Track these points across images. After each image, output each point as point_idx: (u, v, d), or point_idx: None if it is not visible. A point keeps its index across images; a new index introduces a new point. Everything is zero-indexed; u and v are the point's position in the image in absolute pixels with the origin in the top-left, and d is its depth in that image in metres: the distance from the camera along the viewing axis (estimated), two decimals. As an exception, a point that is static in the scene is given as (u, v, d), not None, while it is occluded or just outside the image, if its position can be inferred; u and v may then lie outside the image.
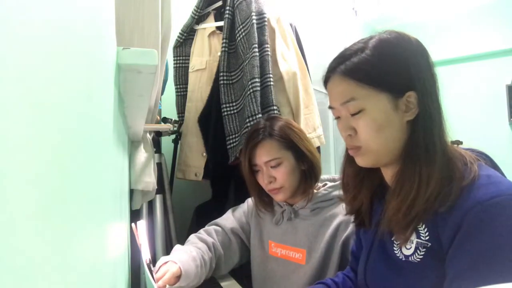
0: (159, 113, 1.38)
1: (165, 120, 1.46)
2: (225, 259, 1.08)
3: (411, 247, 0.61)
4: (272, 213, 1.08)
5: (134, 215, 1.16)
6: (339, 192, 0.99)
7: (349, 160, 0.72)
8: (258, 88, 1.25)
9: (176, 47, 1.54)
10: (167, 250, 1.23)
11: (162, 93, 1.32)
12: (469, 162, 0.58)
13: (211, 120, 1.41)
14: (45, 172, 0.22)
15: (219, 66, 1.38)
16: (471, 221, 0.52)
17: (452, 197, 0.54)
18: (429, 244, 0.58)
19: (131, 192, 1.11)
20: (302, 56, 1.48)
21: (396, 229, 0.62)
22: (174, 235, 1.35)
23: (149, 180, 1.09)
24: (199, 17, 1.50)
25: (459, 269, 0.52)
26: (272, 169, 0.98)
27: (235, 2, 1.36)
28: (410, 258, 0.61)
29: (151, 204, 1.29)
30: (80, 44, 0.33)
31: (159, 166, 1.31)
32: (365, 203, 0.73)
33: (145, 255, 0.74)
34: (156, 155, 1.29)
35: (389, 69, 0.60)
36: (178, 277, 0.88)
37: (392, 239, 0.65)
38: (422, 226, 0.59)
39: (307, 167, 1.00)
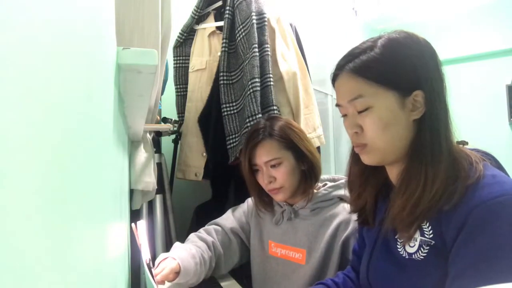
0: (159, 113, 1.38)
1: (165, 120, 1.46)
2: (225, 259, 1.08)
3: (414, 245, 0.61)
4: (272, 213, 1.08)
5: (134, 215, 1.16)
6: (342, 192, 0.99)
7: (354, 159, 0.73)
8: (258, 88, 1.25)
9: (176, 47, 1.54)
10: (167, 250, 1.22)
11: (162, 93, 1.32)
12: (474, 161, 0.58)
13: (211, 120, 1.41)
14: (45, 172, 0.22)
15: (219, 66, 1.38)
16: (475, 220, 0.52)
17: (457, 195, 0.55)
18: (433, 242, 0.58)
19: (131, 192, 1.11)
20: (302, 56, 1.48)
21: (400, 227, 0.62)
22: (174, 235, 1.36)
23: (149, 180, 1.09)
24: (199, 17, 1.50)
25: (461, 268, 0.53)
26: (272, 169, 0.98)
27: (235, 2, 1.36)
28: (413, 256, 0.61)
29: (151, 204, 1.29)
30: (80, 44, 0.33)
31: (159, 166, 1.31)
32: (370, 201, 0.74)
33: (145, 255, 0.74)
34: (156, 155, 1.29)
35: (397, 68, 0.61)
36: (177, 273, 0.88)
37: (396, 237, 0.65)
38: (426, 224, 0.59)
39: (307, 167, 1.00)
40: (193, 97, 1.47)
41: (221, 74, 1.36)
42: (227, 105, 1.34)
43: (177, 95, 1.54)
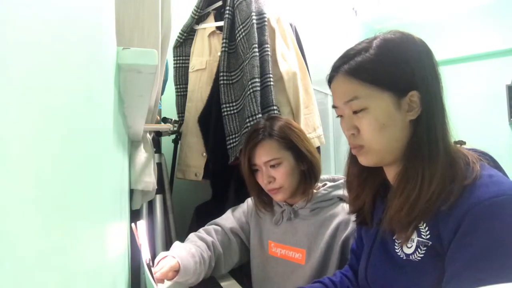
0: (159, 113, 1.38)
1: (165, 120, 1.46)
2: (225, 259, 1.08)
3: (412, 246, 0.61)
4: (272, 213, 1.08)
5: (134, 215, 1.16)
6: (342, 192, 0.99)
7: (352, 160, 0.73)
8: (258, 88, 1.25)
9: (176, 47, 1.54)
10: (167, 250, 1.22)
11: (162, 93, 1.32)
12: (471, 161, 0.58)
13: (211, 120, 1.41)
14: (45, 172, 0.22)
15: (219, 66, 1.38)
16: (472, 220, 0.52)
17: (454, 195, 0.55)
18: (430, 242, 0.58)
19: (131, 192, 1.11)
20: (302, 56, 1.48)
21: (398, 228, 0.62)
22: (174, 235, 1.36)
23: (149, 180, 1.09)
24: (199, 17, 1.50)
25: (457, 267, 0.53)
26: (272, 169, 0.98)
27: (235, 2, 1.36)
28: (410, 256, 0.61)
29: (151, 204, 1.29)
30: (80, 44, 0.33)
31: (159, 166, 1.31)
32: (368, 202, 0.74)
33: (145, 255, 0.74)
34: (156, 155, 1.29)
35: (393, 69, 0.60)
36: (176, 272, 0.88)
37: (394, 238, 0.65)
38: (423, 224, 0.59)
39: (306, 167, 1.00)
40: (193, 97, 1.47)
41: (221, 74, 1.36)
42: (227, 105, 1.34)
43: (177, 95, 1.54)
